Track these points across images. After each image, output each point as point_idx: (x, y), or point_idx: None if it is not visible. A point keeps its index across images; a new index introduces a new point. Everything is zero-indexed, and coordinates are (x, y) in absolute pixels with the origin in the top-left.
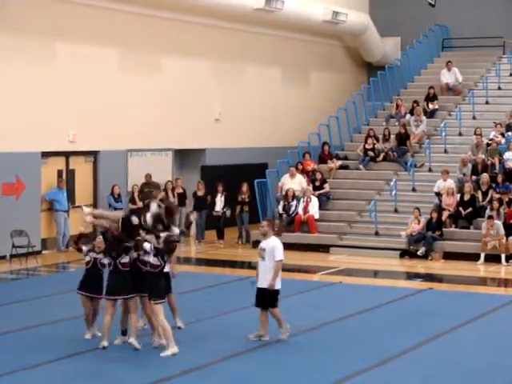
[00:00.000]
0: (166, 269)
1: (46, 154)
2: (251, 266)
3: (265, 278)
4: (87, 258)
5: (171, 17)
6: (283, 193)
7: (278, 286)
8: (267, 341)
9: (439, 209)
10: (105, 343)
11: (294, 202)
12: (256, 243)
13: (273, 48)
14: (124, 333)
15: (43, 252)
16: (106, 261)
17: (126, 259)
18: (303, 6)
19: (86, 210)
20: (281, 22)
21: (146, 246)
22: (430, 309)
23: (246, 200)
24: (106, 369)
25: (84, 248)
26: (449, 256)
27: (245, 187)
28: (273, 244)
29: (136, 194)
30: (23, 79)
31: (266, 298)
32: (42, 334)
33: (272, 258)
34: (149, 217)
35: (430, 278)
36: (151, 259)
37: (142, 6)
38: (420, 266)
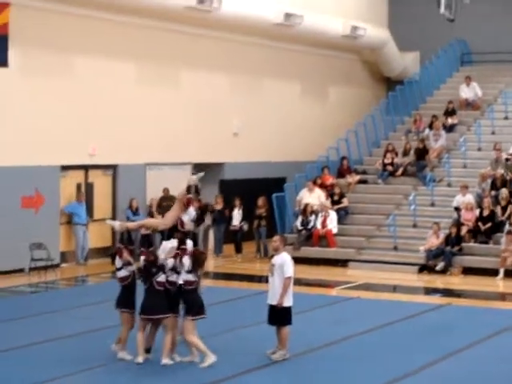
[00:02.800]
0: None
1: (65, 168)
2: (268, 280)
3: (274, 294)
4: (124, 274)
5: (190, 31)
6: (301, 207)
7: (287, 303)
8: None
9: (458, 224)
10: (140, 359)
11: (313, 217)
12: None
13: (292, 62)
14: (148, 351)
15: (62, 265)
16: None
17: (161, 278)
18: (322, 20)
19: (116, 225)
20: (300, 37)
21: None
22: (448, 324)
23: (263, 214)
24: (129, 382)
25: (117, 263)
26: (468, 271)
27: (261, 201)
28: (282, 260)
29: (154, 208)
30: (42, 93)
31: (276, 315)
32: (62, 347)
33: (281, 274)
34: (187, 219)
35: (448, 293)
36: (186, 277)
37: (160, 20)
38: (439, 281)
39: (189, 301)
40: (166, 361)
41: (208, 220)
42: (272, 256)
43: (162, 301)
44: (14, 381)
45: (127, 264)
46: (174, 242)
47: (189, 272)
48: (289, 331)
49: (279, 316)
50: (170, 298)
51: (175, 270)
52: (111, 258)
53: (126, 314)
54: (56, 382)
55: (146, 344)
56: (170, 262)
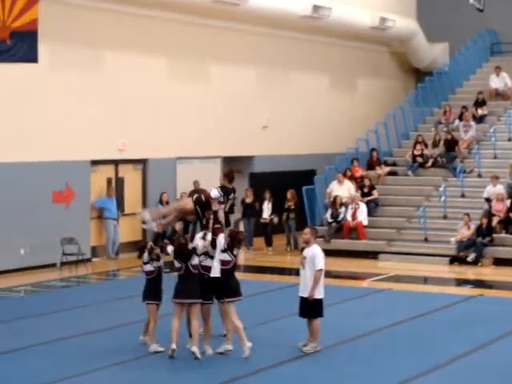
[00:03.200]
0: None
1: (95, 163)
2: (300, 273)
3: (305, 287)
4: (150, 268)
5: (218, 24)
6: (331, 199)
7: (318, 295)
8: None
9: (489, 215)
10: (174, 346)
11: (343, 209)
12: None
13: (320, 55)
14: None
15: (93, 260)
16: (177, 264)
17: (195, 261)
18: (350, 12)
19: (145, 216)
20: (328, 29)
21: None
22: (480, 315)
23: (292, 207)
24: (162, 376)
25: (145, 257)
26: (499, 262)
27: (290, 194)
28: (313, 252)
29: None
30: (73, 89)
31: (307, 308)
32: (93, 341)
33: (312, 267)
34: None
35: (480, 284)
36: (222, 256)
37: (189, 15)
38: (470, 273)
39: (224, 283)
40: (194, 349)
41: (238, 213)
42: (303, 249)
43: (196, 286)
44: (46, 375)
45: (156, 259)
46: (206, 237)
47: (224, 251)
48: (320, 324)
49: (310, 308)
50: (204, 286)
51: (208, 254)
52: (138, 252)
53: (151, 305)
54: (88, 376)
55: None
56: (201, 244)
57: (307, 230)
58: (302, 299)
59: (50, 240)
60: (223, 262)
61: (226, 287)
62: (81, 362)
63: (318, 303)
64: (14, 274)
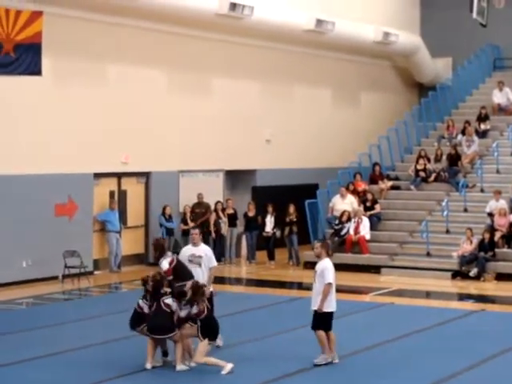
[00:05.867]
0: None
1: (98, 175)
2: (302, 287)
3: (316, 299)
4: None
5: (222, 38)
6: (336, 214)
7: (329, 308)
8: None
9: (491, 229)
10: (148, 365)
11: (348, 224)
12: (307, 264)
13: (323, 69)
14: (165, 353)
15: (95, 272)
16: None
17: (169, 300)
18: (354, 27)
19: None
20: (332, 43)
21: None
22: (482, 330)
23: (294, 220)
24: None
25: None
26: (501, 277)
27: (291, 208)
28: (323, 266)
29: (188, 215)
30: (76, 101)
31: (317, 320)
32: (95, 354)
33: (322, 281)
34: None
35: (482, 299)
36: (193, 310)
37: (193, 28)
38: (472, 287)
39: (205, 325)
40: (180, 367)
41: (240, 227)
42: (309, 262)
43: (168, 320)
44: None
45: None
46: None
47: (191, 306)
48: (324, 336)
49: (320, 320)
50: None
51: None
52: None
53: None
54: None
55: (162, 347)
56: (174, 306)
57: (318, 244)
58: (314, 312)
59: (53, 253)
60: (197, 314)
61: (207, 329)
62: (82, 375)
63: (328, 316)
64: (15, 287)
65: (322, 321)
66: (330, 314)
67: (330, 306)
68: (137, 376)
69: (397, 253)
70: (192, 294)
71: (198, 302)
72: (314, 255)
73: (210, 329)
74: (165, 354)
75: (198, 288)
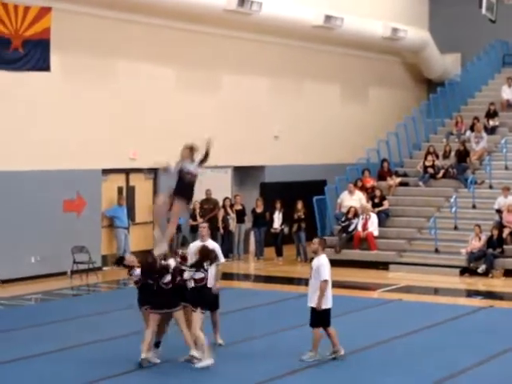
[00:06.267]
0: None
1: (106, 171)
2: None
3: (312, 296)
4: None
5: (230, 34)
6: (344, 210)
7: (325, 305)
8: (327, 358)
9: (500, 226)
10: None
11: (355, 220)
12: None
13: (332, 65)
14: (157, 345)
15: (103, 268)
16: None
17: (167, 279)
18: (362, 23)
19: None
20: (340, 39)
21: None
22: (490, 327)
23: (302, 217)
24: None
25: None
26: (510, 273)
27: (299, 205)
28: (319, 263)
29: (197, 211)
30: (84, 97)
31: (315, 317)
32: (102, 350)
33: (318, 277)
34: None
35: (490, 295)
36: (196, 275)
37: (202, 24)
38: (480, 284)
39: (198, 295)
40: (200, 364)
41: (249, 223)
42: (312, 259)
43: (170, 296)
44: (56, 382)
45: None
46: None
47: (197, 270)
48: (320, 334)
49: (317, 317)
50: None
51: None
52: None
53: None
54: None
55: (157, 338)
56: (172, 263)
57: (315, 241)
58: (312, 309)
59: (61, 248)
60: (197, 280)
61: (200, 299)
62: (91, 370)
63: (325, 313)
64: (24, 283)
65: (320, 318)
66: (327, 311)
67: (327, 303)
68: (145, 371)
69: (405, 249)
70: (200, 257)
71: (203, 266)
72: (311, 251)
73: (201, 298)
74: (157, 345)
75: (206, 251)
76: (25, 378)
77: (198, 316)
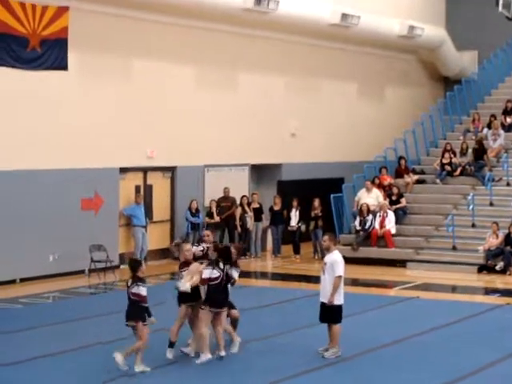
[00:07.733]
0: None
1: (124, 170)
2: (321, 278)
3: (325, 292)
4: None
5: (247, 32)
6: (359, 207)
7: (338, 301)
8: (340, 357)
9: None
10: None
11: (370, 217)
12: None
13: (349, 63)
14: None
15: (121, 267)
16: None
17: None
18: (379, 21)
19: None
20: (357, 37)
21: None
22: (508, 324)
23: (319, 215)
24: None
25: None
26: None
27: (316, 202)
28: (333, 259)
29: (214, 209)
30: (102, 96)
31: (327, 313)
32: (121, 347)
33: (332, 273)
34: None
35: (508, 293)
36: (213, 274)
37: (219, 23)
38: (498, 281)
39: (212, 292)
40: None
41: (266, 221)
42: (324, 255)
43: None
44: (72, 381)
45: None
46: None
47: (213, 268)
48: (340, 329)
49: (330, 314)
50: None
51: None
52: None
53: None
54: (115, 382)
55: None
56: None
57: (326, 237)
58: (322, 305)
59: (79, 247)
60: (211, 279)
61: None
62: (109, 368)
63: (338, 309)
64: (42, 281)
65: (331, 313)
66: (339, 307)
67: (340, 299)
68: (163, 369)
69: (422, 247)
70: (217, 255)
71: (218, 264)
72: (323, 249)
73: (211, 296)
74: (171, 345)
75: (224, 250)
76: (43, 376)
77: (206, 314)
